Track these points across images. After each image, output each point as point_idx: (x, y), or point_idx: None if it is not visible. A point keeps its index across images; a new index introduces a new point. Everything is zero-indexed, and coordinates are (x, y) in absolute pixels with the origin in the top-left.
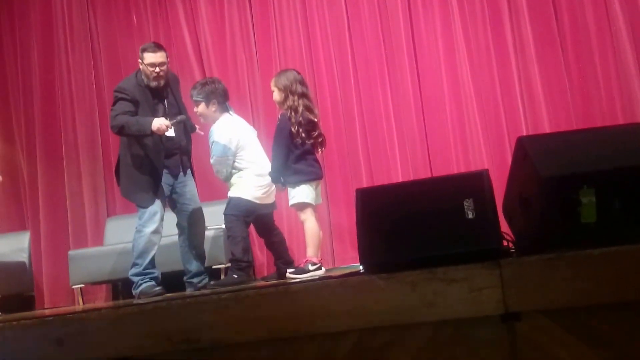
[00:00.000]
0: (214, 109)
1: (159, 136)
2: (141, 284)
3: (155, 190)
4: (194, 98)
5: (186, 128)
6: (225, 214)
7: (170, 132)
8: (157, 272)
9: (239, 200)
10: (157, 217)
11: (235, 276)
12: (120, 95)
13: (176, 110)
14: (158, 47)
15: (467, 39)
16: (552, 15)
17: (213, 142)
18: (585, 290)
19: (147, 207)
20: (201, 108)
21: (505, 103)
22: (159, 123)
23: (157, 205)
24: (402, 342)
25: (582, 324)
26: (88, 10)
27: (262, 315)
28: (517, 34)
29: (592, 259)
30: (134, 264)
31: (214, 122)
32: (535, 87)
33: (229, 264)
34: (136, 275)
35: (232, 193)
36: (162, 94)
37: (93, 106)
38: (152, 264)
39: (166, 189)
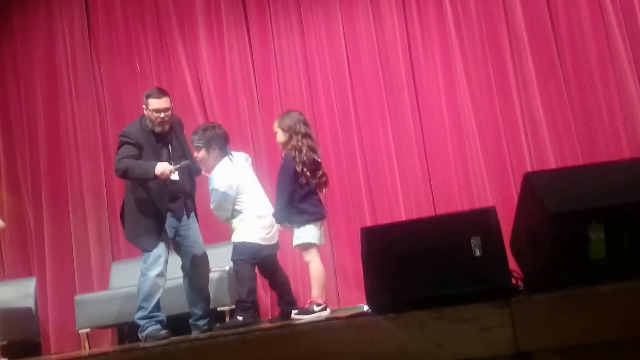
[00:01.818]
0: (214, 154)
1: (163, 180)
2: (147, 327)
3: (159, 233)
4: (195, 144)
5: (190, 172)
6: (233, 260)
7: (175, 176)
8: (162, 316)
9: (243, 245)
10: (162, 260)
11: (240, 318)
12: (124, 139)
13: (180, 154)
14: (162, 92)
15: (468, 75)
16: (553, 49)
17: (212, 189)
18: (596, 327)
19: (151, 251)
20: (202, 154)
21: (508, 138)
22: (162, 167)
23: (161, 248)
24: None
25: None
26: (92, 57)
27: (268, 357)
28: (518, 69)
29: (602, 295)
30: (140, 308)
31: (214, 167)
32: (538, 121)
33: (235, 306)
34: (142, 318)
35: (236, 238)
36: (166, 138)
37: (98, 152)
38: (157, 307)
39: (170, 232)
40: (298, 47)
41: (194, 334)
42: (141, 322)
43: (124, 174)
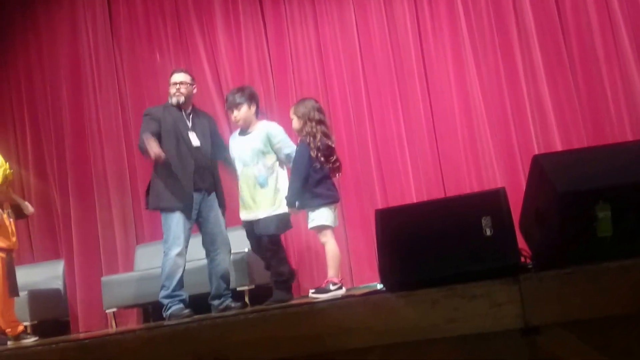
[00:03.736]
0: (254, 110)
1: (187, 147)
2: (171, 306)
3: (182, 198)
4: (237, 101)
5: (216, 149)
6: (274, 234)
7: (195, 142)
8: (184, 295)
9: (285, 216)
10: (181, 240)
11: (286, 294)
12: (144, 116)
13: (200, 133)
14: (180, 70)
15: (477, 63)
16: (560, 37)
17: (292, 150)
18: (602, 302)
19: (172, 207)
20: (243, 109)
21: (516, 124)
22: (153, 147)
23: (180, 228)
24: (424, 357)
25: (601, 335)
26: (114, 49)
27: (287, 333)
28: (526, 56)
29: (609, 272)
30: (163, 286)
31: (249, 124)
32: (546, 107)
33: (278, 283)
34: (165, 297)
35: (279, 209)
36: (185, 114)
37: (120, 140)
38: (179, 285)
39: (194, 207)
40: (312, 37)
41: (214, 312)
42: (165, 301)
43: (140, 150)
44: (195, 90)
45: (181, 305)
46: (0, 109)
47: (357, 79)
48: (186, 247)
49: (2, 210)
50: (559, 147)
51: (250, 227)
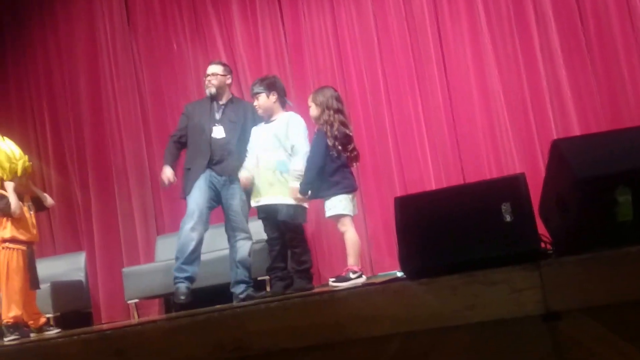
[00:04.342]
0: (273, 99)
1: (209, 136)
2: (176, 284)
3: (196, 183)
4: (255, 91)
5: (241, 139)
6: (297, 224)
7: (220, 133)
8: (191, 271)
9: (303, 210)
10: (195, 215)
11: (306, 283)
12: (182, 112)
13: (229, 119)
14: (214, 61)
15: (495, 47)
16: (577, 21)
17: (299, 147)
18: (624, 287)
19: (185, 197)
20: (261, 98)
21: (535, 108)
22: (164, 172)
23: (194, 203)
24: (445, 344)
25: (622, 320)
26: (131, 40)
27: (308, 322)
28: (544, 41)
29: (630, 257)
30: (176, 258)
31: (271, 113)
32: (564, 91)
33: (300, 272)
34: (175, 270)
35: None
36: (217, 105)
37: (139, 131)
38: (188, 260)
39: (211, 192)
40: (329, 24)
41: (235, 302)
42: (174, 274)
43: None
44: (229, 81)
45: (185, 284)
46: (20, 103)
47: (374, 66)
48: (203, 223)
49: (23, 202)
50: (577, 131)
51: (268, 217)
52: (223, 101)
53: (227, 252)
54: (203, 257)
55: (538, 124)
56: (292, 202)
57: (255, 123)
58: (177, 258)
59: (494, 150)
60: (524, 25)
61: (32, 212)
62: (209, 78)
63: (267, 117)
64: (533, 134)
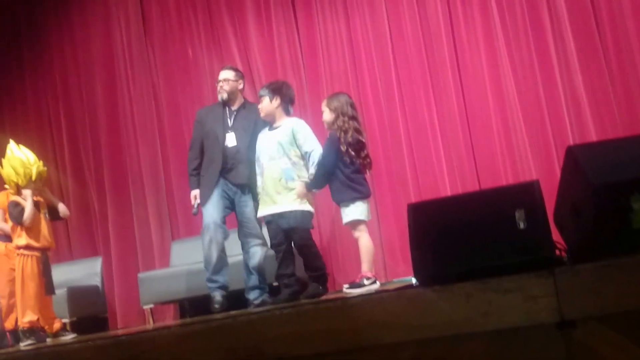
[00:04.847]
0: (276, 104)
1: (222, 144)
2: (211, 292)
3: (210, 191)
4: (259, 93)
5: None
6: (305, 229)
7: (232, 141)
8: (221, 280)
9: (310, 215)
10: (211, 227)
11: (321, 288)
12: (195, 120)
13: (241, 126)
14: (225, 67)
15: (510, 52)
16: (593, 25)
17: (312, 151)
18: (638, 294)
19: (202, 205)
20: (264, 102)
21: (551, 114)
22: (193, 194)
23: (209, 217)
24: (459, 352)
25: (638, 328)
26: (147, 46)
27: (321, 328)
28: (559, 45)
29: None
30: (205, 268)
31: (273, 118)
32: (580, 96)
33: (313, 279)
34: (207, 281)
35: (304, 206)
36: (229, 111)
37: (154, 136)
38: (216, 270)
39: (225, 202)
40: (343, 29)
41: (251, 307)
42: (207, 284)
43: None
44: (241, 86)
45: (219, 292)
46: (37, 109)
47: (388, 71)
48: (220, 232)
49: (39, 209)
50: (594, 137)
51: (273, 222)
52: (235, 107)
53: (240, 258)
54: None
55: (554, 129)
56: (297, 208)
57: (263, 127)
58: (206, 269)
59: (509, 156)
60: (539, 30)
61: (48, 219)
62: (220, 84)
63: (271, 123)
64: (549, 139)
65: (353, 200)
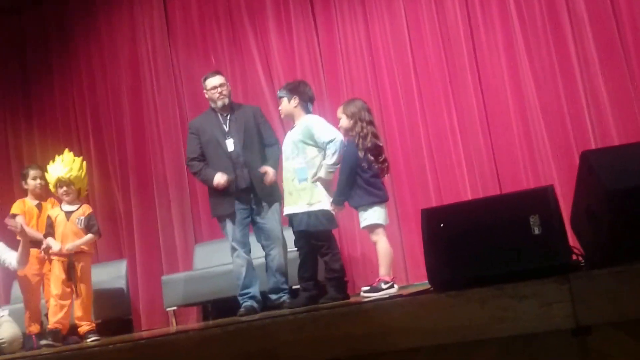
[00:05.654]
0: (294, 104)
1: (225, 154)
2: (242, 303)
3: (224, 201)
4: (278, 95)
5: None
6: (321, 230)
7: (230, 146)
8: (252, 291)
9: (328, 213)
10: (234, 244)
11: (341, 295)
12: (188, 132)
13: (235, 129)
14: (215, 72)
15: (530, 55)
16: (614, 28)
17: (330, 140)
18: None
19: (222, 215)
20: (283, 102)
21: (572, 117)
22: (217, 178)
23: (231, 234)
24: (474, 358)
25: None
26: (171, 53)
27: (336, 333)
28: (580, 48)
29: None
30: (237, 279)
31: (293, 118)
32: (601, 99)
33: (331, 281)
34: (238, 296)
35: (320, 205)
36: (223, 117)
37: (178, 142)
38: (246, 284)
39: (244, 212)
40: (362, 33)
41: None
42: (239, 298)
43: (191, 172)
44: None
45: (250, 301)
46: (64, 116)
47: (408, 75)
48: (243, 247)
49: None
50: (615, 141)
51: (290, 223)
52: (227, 112)
53: (260, 261)
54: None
55: (575, 133)
56: (310, 209)
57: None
58: (238, 282)
59: (530, 160)
60: (559, 33)
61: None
62: (219, 89)
63: (292, 122)
64: (571, 143)
65: (371, 204)
